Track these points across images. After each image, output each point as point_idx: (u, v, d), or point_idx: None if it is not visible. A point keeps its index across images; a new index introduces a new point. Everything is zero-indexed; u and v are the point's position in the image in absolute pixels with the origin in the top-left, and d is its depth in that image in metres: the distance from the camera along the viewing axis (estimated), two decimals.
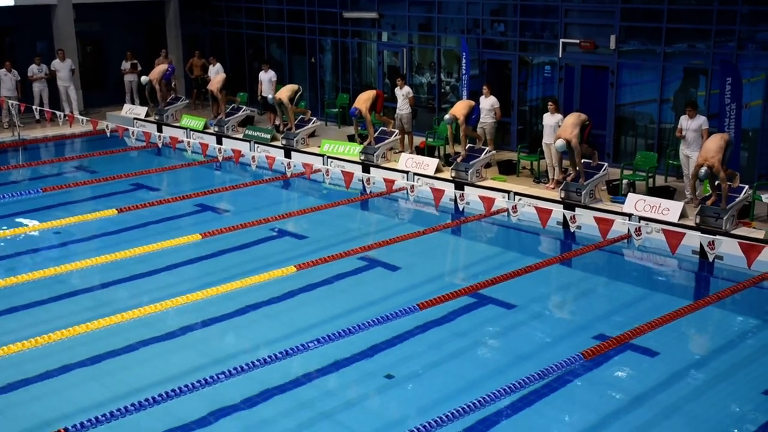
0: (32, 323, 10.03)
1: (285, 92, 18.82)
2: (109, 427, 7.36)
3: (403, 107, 18.09)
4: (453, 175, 15.91)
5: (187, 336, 10.01)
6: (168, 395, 7.69)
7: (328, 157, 17.56)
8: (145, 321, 9.76)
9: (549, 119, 15.32)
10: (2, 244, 13.13)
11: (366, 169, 16.41)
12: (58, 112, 19.81)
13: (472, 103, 16.38)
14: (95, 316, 9.64)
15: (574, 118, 14.01)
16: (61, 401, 8.40)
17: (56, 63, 22.28)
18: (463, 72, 18.03)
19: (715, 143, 12.69)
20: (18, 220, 14.32)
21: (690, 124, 13.92)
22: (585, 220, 12.02)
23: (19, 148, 19.58)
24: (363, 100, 17.22)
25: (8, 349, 8.62)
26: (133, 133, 17.61)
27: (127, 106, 22.84)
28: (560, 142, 13.68)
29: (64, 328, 9.15)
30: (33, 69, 22.06)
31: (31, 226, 14.02)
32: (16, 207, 14.89)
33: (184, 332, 10.05)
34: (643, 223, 12.11)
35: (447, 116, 16.01)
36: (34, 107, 20.36)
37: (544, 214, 11.62)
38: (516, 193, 14.38)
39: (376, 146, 17.11)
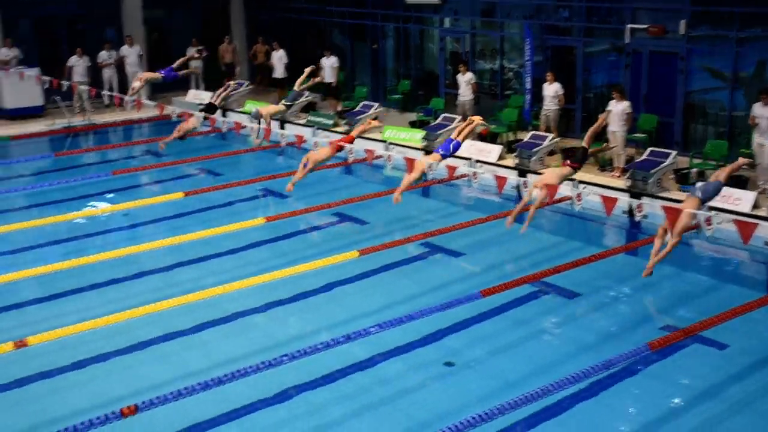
0: (102, 303, 10.27)
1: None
2: (176, 405, 7.50)
3: (465, 94, 17.96)
4: (516, 162, 15.74)
5: (250, 318, 10.12)
6: (233, 376, 7.80)
7: (390, 143, 17.54)
8: (209, 302, 9.94)
9: (615, 106, 15.04)
10: (73, 225, 13.47)
11: (428, 155, 16.32)
12: (126, 97, 20.21)
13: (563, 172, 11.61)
14: (162, 297, 9.88)
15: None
16: (131, 378, 8.59)
17: (125, 49, 22.75)
18: (527, 58, 17.80)
19: None
20: (89, 202, 14.68)
21: (764, 112, 13.49)
22: (652, 209, 11.76)
23: (90, 132, 20.04)
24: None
25: (80, 327, 8.90)
26: (199, 118, 17.81)
27: (192, 92, 23.19)
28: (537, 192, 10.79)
29: (133, 308, 9.41)
30: (103, 55, 22.57)
31: (101, 208, 14.37)
32: (87, 189, 15.28)
33: (247, 315, 10.17)
34: (713, 213, 11.79)
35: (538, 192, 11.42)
36: (104, 92, 20.82)
37: (609, 202, 11.37)
38: (580, 182, 14.16)
39: (437, 132, 17.01)
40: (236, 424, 7.78)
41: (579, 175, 14.43)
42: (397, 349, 9.21)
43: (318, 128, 19.17)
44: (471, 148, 16.37)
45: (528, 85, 17.71)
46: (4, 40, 21.80)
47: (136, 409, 7.20)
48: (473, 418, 7.06)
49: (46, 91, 21.34)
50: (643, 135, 15.94)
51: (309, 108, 20.92)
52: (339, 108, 20.90)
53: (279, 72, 22.48)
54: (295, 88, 15.55)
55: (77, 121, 20.67)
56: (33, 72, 20.90)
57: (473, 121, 11.76)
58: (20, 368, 8.61)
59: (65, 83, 20.00)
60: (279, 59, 22.30)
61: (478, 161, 15.87)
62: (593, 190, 13.20)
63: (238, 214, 13.76)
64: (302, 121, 19.98)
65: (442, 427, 6.95)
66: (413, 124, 19.01)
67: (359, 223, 13.58)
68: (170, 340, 9.46)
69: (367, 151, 14.75)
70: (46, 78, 20.37)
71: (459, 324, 9.79)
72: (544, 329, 9.86)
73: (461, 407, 7.98)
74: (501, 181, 12.80)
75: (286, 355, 8.21)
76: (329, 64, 21.07)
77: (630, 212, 12.84)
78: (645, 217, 11.60)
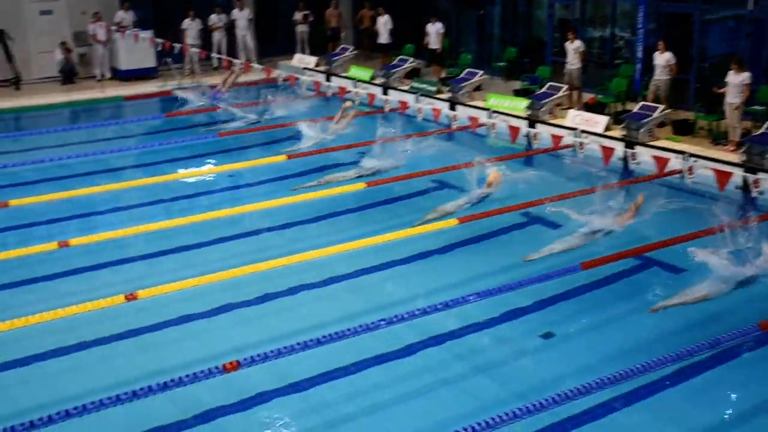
0: (205, 261, 10.57)
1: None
2: (275, 363, 7.69)
3: (573, 62, 17.51)
4: (623, 133, 15.29)
5: (351, 282, 10.21)
6: (331, 337, 7.94)
7: (494, 111, 17.31)
8: (312, 264, 10.13)
9: (733, 78, 14.35)
10: (180, 185, 13.88)
11: (532, 125, 16.06)
12: (234, 60, 20.63)
13: None
14: (264, 258, 10.09)
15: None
16: (233, 336, 8.84)
17: (235, 12, 23.20)
18: (639, 26, 17.16)
19: None
20: (195, 162, 15.11)
21: None
22: None
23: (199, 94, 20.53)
24: None
25: (187, 283, 9.22)
26: (304, 81, 18.06)
27: (297, 56, 23.46)
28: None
29: (233, 268, 9.66)
30: (213, 18, 23.07)
31: (207, 168, 14.76)
32: (194, 150, 15.71)
33: (347, 278, 10.28)
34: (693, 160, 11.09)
35: None
36: (213, 55, 21.32)
37: (722, 177, 10.96)
38: (691, 155, 13.63)
39: (543, 101, 16.67)
40: (343, 383, 7.92)
41: (689, 148, 13.93)
42: (494, 319, 9.15)
43: (421, 95, 19.08)
44: (576, 118, 15.99)
45: (639, 54, 17.10)
46: (122, 4, 22.54)
47: (238, 365, 7.42)
48: (570, 391, 6.97)
49: (158, 54, 22.02)
50: (761, 107, 15.18)
51: (413, 74, 20.84)
52: (443, 75, 20.75)
53: (384, 38, 22.45)
54: (334, 123, 15.23)
55: (187, 82, 21.25)
56: (147, 34, 21.59)
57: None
58: (131, 320, 8.98)
59: (177, 45, 20.59)
60: (384, 24, 22.26)
61: (583, 131, 15.48)
62: (705, 164, 12.70)
63: (339, 177, 13.85)
64: (405, 88, 19.93)
65: (539, 399, 6.88)
66: (518, 93, 18.69)
67: (460, 191, 13.46)
68: (269, 300, 9.65)
69: (470, 118, 14.68)
70: (159, 40, 21.03)
71: (558, 296, 9.63)
72: (646, 304, 9.58)
73: (557, 379, 7.87)
74: (607, 152, 12.54)
75: (383, 320, 8.29)
76: (435, 30, 20.89)
77: (745, 187, 12.29)
78: (761, 193, 11.11)
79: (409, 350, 8.51)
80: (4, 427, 6.52)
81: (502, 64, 21.21)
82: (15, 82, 20.71)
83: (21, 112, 18.75)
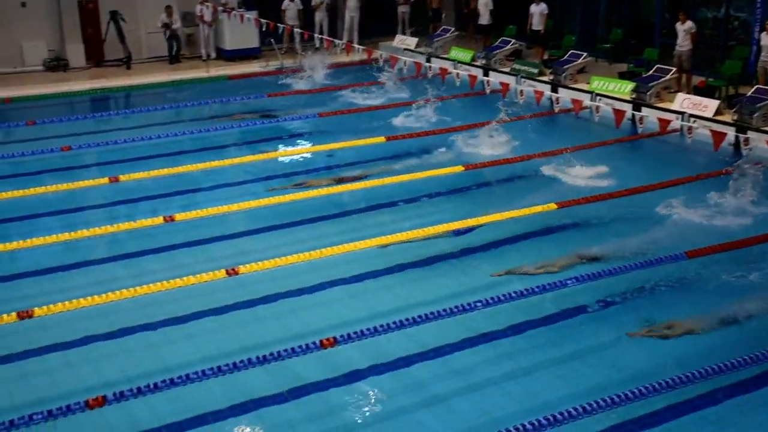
0: (305, 239, 10.68)
1: None
2: (371, 341, 7.77)
3: (683, 44, 16.87)
4: (735, 118, 14.64)
5: (445, 263, 10.18)
6: (426, 317, 7.96)
7: (597, 94, 16.86)
8: (407, 246, 10.14)
9: None
10: (279, 163, 14.07)
11: (638, 108, 15.56)
12: (336, 41, 20.77)
13: None
14: (359, 237, 10.18)
15: None
16: (328, 313, 8.94)
17: None
18: (758, 5, 16.35)
19: None
20: (296, 141, 15.32)
21: None
22: None
23: (300, 74, 20.78)
24: None
25: (287, 260, 9.39)
26: (405, 63, 18.00)
27: (398, 37, 23.42)
28: None
29: (330, 246, 9.78)
30: None
31: (307, 147, 14.93)
32: (295, 129, 15.93)
33: (440, 260, 10.23)
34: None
35: None
36: (315, 35, 21.52)
37: None
38: None
39: (650, 84, 16.13)
40: (434, 363, 7.90)
41: None
42: (594, 304, 8.95)
43: (522, 77, 18.77)
44: (685, 102, 15.41)
45: (756, 35, 16.32)
46: None
47: (335, 342, 7.51)
48: (671, 379, 6.78)
49: (262, 34, 22.37)
50: None
51: (514, 56, 20.52)
52: (545, 56, 20.34)
53: (485, 18, 22.14)
54: None
55: (289, 63, 21.53)
56: (252, 15, 21.96)
57: None
58: (229, 295, 9.19)
59: (281, 26, 20.88)
60: (485, 5, 21.94)
61: (692, 116, 14.90)
62: None
63: (436, 160, 13.80)
64: (506, 69, 19.63)
65: (638, 386, 6.72)
66: (623, 75, 18.14)
67: (560, 175, 13.20)
68: (365, 279, 9.70)
69: (573, 101, 14.34)
70: (264, 21, 21.35)
71: (660, 283, 9.34)
72: (755, 296, 9.16)
73: (657, 368, 7.64)
74: (718, 137, 12.04)
75: (480, 302, 8.24)
76: (538, 11, 20.46)
77: None
78: None
79: (515, 330, 8.42)
80: (129, 388, 6.82)
81: (607, 45, 20.63)
82: (126, 62, 21.45)
83: (131, 90, 19.42)
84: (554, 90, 17.49)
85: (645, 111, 15.23)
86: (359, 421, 7.04)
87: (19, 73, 20.58)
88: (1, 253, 9.95)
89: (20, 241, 10.10)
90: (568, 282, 8.78)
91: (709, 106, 15.13)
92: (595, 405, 6.59)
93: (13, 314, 8.17)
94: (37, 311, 8.26)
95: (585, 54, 18.65)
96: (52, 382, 7.53)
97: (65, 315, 8.38)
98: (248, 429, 6.91)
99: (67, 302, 8.46)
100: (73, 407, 6.69)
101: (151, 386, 6.98)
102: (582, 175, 13.00)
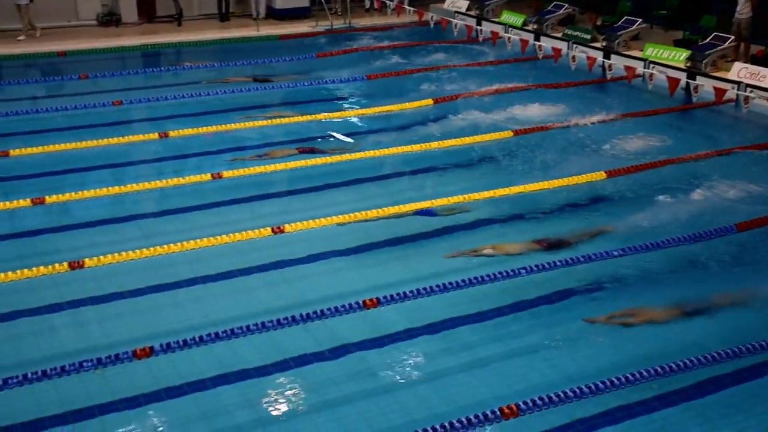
0: (349, 200, 10.70)
1: None
2: (414, 302, 7.82)
3: (742, 11, 16.38)
4: None
5: (495, 228, 10.09)
6: (470, 281, 7.99)
7: (651, 61, 16.50)
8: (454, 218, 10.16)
9: None
10: (326, 124, 14.05)
11: (692, 77, 15.21)
12: (387, 2, 20.59)
13: None
14: (401, 200, 10.26)
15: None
16: (369, 275, 8.97)
17: None
18: None
19: None
20: (343, 105, 15.27)
21: None
22: None
23: (349, 35, 20.70)
24: None
25: (330, 220, 9.49)
26: (455, 26, 17.82)
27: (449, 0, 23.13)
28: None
29: (376, 209, 9.83)
30: None
31: (354, 111, 14.87)
32: (343, 92, 15.89)
33: (486, 224, 10.17)
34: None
35: None
36: None
37: None
38: None
39: (706, 53, 15.72)
40: (480, 327, 7.91)
41: None
42: (637, 276, 8.84)
43: (574, 42, 18.43)
44: (742, 71, 15.00)
45: None
46: None
47: (377, 302, 7.57)
48: (718, 353, 6.70)
49: None
50: None
51: (566, 21, 20.13)
52: (598, 22, 19.92)
53: None
54: None
55: (339, 23, 21.44)
56: None
57: None
58: (277, 252, 9.24)
59: None
60: None
61: (749, 86, 14.52)
62: None
63: (485, 124, 13.68)
64: (558, 35, 19.29)
65: (682, 359, 6.66)
66: (678, 43, 17.71)
67: (610, 143, 12.97)
68: (403, 243, 9.68)
69: (626, 68, 14.08)
70: None
71: (711, 258, 9.18)
72: None
73: (703, 341, 7.55)
74: None
75: (524, 268, 8.23)
76: None
77: None
78: None
79: (560, 295, 8.37)
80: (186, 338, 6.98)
81: (663, 12, 20.12)
82: (177, 18, 21.55)
83: (181, 47, 19.52)
84: (607, 56, 17.16)
85: (700, 80, 14.89)
86: (401, 380, 7.08)
87: (73, 27, 20.82)
88: (53, 204, 10.17)
89: (72, 193, 10.33)
90: (614, 252, 8.69)
91: (767, 76, 14.72)
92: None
93: (65, 264, 8.39)
94: (88, 262, 8.47)
95: (640, 20, 18.23)
96: (102, 331, 7.70)
97: (115, 267, 8.58)
98: (290, 385, 7.00)
99: (116, 254, 8.67)
100: (121, 356, 6.87)
101: (197, 339, 7.12)
102: (633, 143, 12.78)
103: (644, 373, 6.60)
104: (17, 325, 7.71)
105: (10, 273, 8.23)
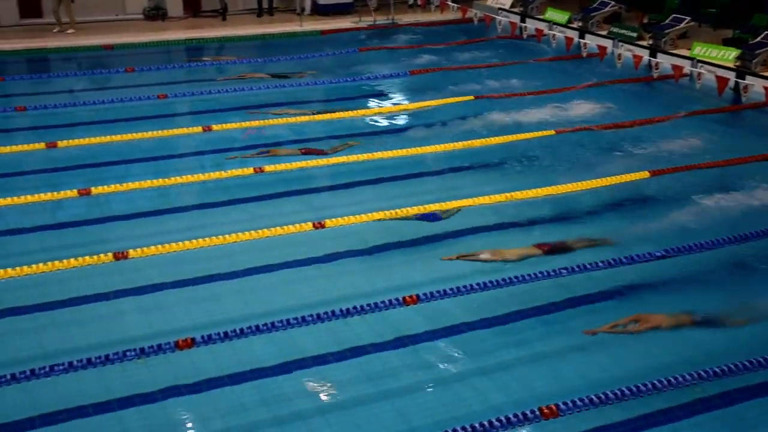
0: (390, 196, 10.69)
1: None
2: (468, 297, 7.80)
3: None
4: None
5: (531, 229, 10.03)
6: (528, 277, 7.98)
7: (699, 60, 16.21)
8: (495, 208, 10.11)
9: None
10: (366, 122, 14.03)
11: (742, 76, 14.92)
12: None
13: None
14: (445, 198, 10.22)
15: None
16: (408, 272, 8.93)
17: None
18: None
19: None
20: (385, 100, 15.24)
21: None
22: None
23: (392, 31, 20.69)
24: None
25: (372, 216, 9.47)
26: (499, 23, 17.71)
27: None
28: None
29: (424, 204, 9.83)
30: None
31: (396, 107, 14.80)
32: (385, 87, 15.86)
33: (538, 224, 10.12)
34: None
35: None
36: None
37: None
38: None
39: (757, 52, 15.41)
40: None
41: None
42: (674, 279, 8.71)
43: (620, 41, 18.19)
44: None
45: None
46: None
47: (417, 299, 7.57)
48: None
49: None
50: None
51: (612, 19, 19.87)
52: (645, 20, 19.63)
53: None
54: None
55: (381, 19, 21.44)
56: None
57: None
58: (316, 247, 9.25)
59: None
60: None
61: None
62: None
63: (526, 123, 13.55)
64: (604, 33, 19.05)
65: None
66: (727, 42, 17.38)
67: (654, 143, 12.79)
68: (467, 235, 9.65)
69: (674, 67, 13.86)
70: None
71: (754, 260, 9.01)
72: None
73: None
74: None
75: (565, 269, 8.17)
76: None
77: None
78: None
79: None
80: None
81: (712, 10, 19.75)
82: (222, 13, 21.75)
83: (225, 42, 19.69)
84: (653, 55, 16.91)
85: (750, 79, 14.60)
86: (454, 371, 7.06)
87: (120, 21, 21.13)
88: (99, 195, 10.33)
89: (117, 184, 10.49)
90: (657, 253, 8.58)
91: None
92: None
93: (110, 254, 8.53)
94: (132, 253, 8.58)
95: (688, 18, 17.92)
96: (145, 321, 7.80)
97: (158, 258, 8.68)
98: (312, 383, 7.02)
99: (160, 246, 8.77)
100: (163, 346, 6.96)
101: (237, 332, 7.18)
102: (679, 143, 12.58)
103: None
104: (63, 314, 7.85)
105: (57, 262, 8.39)
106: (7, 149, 11.73)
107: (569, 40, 17.00)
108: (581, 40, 16.86)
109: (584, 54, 15.94)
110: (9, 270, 8.23)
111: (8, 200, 9.97)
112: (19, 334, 7.52)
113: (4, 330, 7.57)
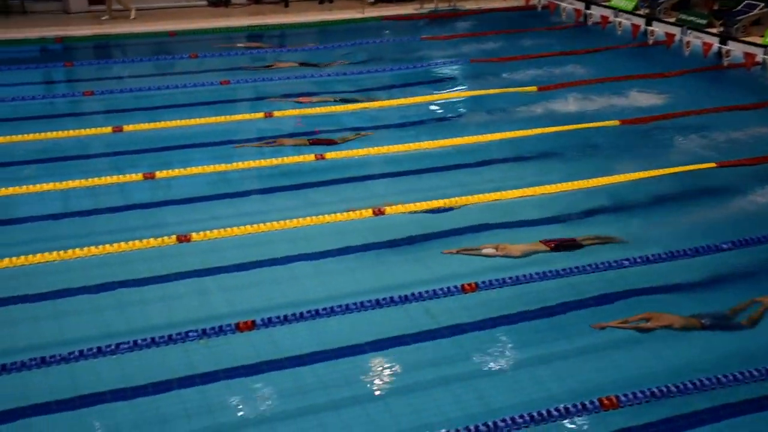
0: (449, 185, 10.63)
1: None
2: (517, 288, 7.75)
3: None
4: None
5: (593, 219, 9.89)
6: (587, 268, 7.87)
7: None
8: (556, 198, 9.98)
9: None
10: (424, 109, 13.93)
11: None
12: None
13: None
14: (505, 187, 10.14)
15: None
16: (468, 260, 8.90)
17: None
18: None
19: None
20: (446, 86, 15.11)
21: None
22: None
23: (453, 19, 20.51)
24: None
25: (431, 204, 9.40)
26: (563, 9, 17.42)
27: None
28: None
29: (476, 194, 9.80)
30: None
31: (457, 92, 14.67)
32: (446, 74, 15.74)
33: (598, 213, 9.97)
34: None
35: None
36: None
37: None
38: None
39: None
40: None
41: None
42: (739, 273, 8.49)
43: (688, 28, 17.73)
44: None
45: None
46: None
47: (476, 287, 7.53)
48: None
49: None
50: None
51: (681, 5, 19.36)
52: (715, 6, 19.09)
53: None
54: None
55: (444, 6, 21.28)
56: None
57: None
58: (376, 233, 9.26)
59: None
60: None
61: None
62: None
63: (589, 112, 13.31)
64: (671, 20, 18.59)
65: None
66: None
67: (723, 134, 12.44)
68: (518, 227, 9.55)
69: (745, 55, 13.46)
70: None
71: None
72: None
73: None
74: None
75: (627, 259, 8.01)
76: None
77: None
78: None
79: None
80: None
81: None
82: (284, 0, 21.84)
83: (286, 28, 19.77)
84: (723, 42, 16.43)
85: None
86: (494, 368, 7.02)
87: (183, 8, 21.38)
88: (162, 179, 10.51)
89: (180, 168, 10.66)
90: (724, 246, 8.39)
91: None
92: None
93: (173, 237, 8.68)
94: (194, 236, 8.72)
95: (761, 5, 17.36)
96: (207, 303, 7.91)
97: (219, 241, 8.81)
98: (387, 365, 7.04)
99: (221, 230, 8.89)
100: (224, 328, 7.07)
101: (297, 315, 7.26)
102: (750, 134, 12.24)
103: None
104: (128, 294, 7.99)
105: (123, 243, 8.58)
106: (75, 133, 12.01)
107: (635, 27, 16.63)
108: (648, 27, 16.47)
109: (651, 41, 15.58)
110: (77, 250, 8.45)
111: (76, 182, 10.21)
112: (84, 313, 7.69)
113: (70, 309, 7.75)
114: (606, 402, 6.11)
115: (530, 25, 18.55)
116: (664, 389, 6.32)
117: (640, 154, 11.67)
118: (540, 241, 8.87)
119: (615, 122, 12.48)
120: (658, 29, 16.54)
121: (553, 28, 18.86)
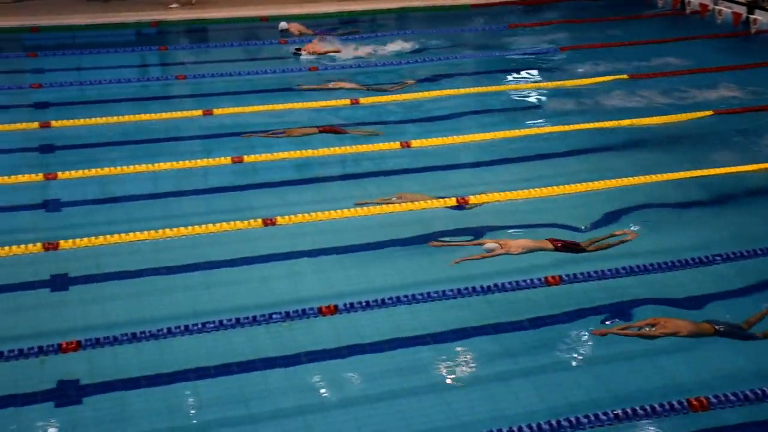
0: (530, 177, 10.41)
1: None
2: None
3: None
4: None
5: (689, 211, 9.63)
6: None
7: None
8: (641, 189, 9.76)
9: None
10: (512, 96, 13.75)
11: None
12: None
13: None
14: (582, 179, 10.01)
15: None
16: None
17: None
18: None
19: None
20: (534, 75, 14.84)
21: None
22: None
23: (541, 6, 20.11)
24: None
25: (518, 194, 9.37)
26: None
27: None
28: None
29: (560, 185, 9.71)
30: None
31: (544, 82, 14.39)
32: (534, 62, 15.48)
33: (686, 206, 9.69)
34: None
35: None
36: None
37: None
38: None
39: None
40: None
41: None
42: None
43: None
44: None
45: None
46: None
47: (559, 280, 7.44)
48: None
49: None
50: None
51: None
52: None
53: None
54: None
55: None
56: None
57: None
58: (457, 221, 9.22)
59: None
60: None
61: None
62: None
63: (683, 103, 12.87)
64: None
65: None
66: None
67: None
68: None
69: None
70: None
71: None
72: None
73: None
74: None
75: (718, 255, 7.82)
76: None
77: None
78: None
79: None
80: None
81: None
82: None
83: (375, 14, 19.68)
84: (750, 11, 15.51)
85: None
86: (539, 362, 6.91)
87: None
88: (249, 163, 10.69)
89: (266, 153, 10.82)
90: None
91: None
92: None
93: (259, 220, 8.84)
94: (279, 220, 8.86)
95: None
96: (291, 286, 8.02)
97: (303, 226, 8.93)
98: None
99: (305, 214, 9.01)
100: (307, 311, 7.18)
101: (379, 301, 7.30)
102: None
103: None
104: (214, 275, 8.18)
105: (210, 225, 8.79)
106: (168, 115, 12.33)
107: (737, 15, 15.99)
108: (750, 16, 15.82)
109: (753, 30, 14.92)
110: (167, 230, 8.70)
111: (167, 164, 10.49)
112: (173, 292, 7.91)
113: (159, 287, 7.97)
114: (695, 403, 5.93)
115: (625, 13, 18.04)
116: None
117: (736, 145, 11.27)
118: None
119: (708, 112, 12.06)
120: (762, 18, 15.85)
121: (648, 16, 18.31)
